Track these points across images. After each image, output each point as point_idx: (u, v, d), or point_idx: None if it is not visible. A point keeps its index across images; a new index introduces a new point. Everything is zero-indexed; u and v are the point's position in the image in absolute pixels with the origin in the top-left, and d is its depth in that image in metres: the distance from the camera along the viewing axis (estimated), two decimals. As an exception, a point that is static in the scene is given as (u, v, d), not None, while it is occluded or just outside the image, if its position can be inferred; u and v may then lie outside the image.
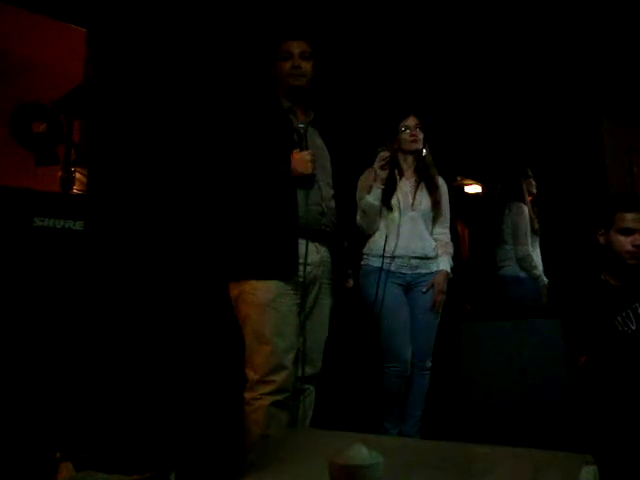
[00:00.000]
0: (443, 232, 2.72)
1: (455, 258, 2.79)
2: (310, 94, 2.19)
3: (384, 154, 2.56)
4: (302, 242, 2.00)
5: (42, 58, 2.88)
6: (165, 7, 2.78)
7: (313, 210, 2.04)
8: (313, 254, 2.04)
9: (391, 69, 3.70)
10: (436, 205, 2.68)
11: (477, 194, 4.98)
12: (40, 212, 1.88)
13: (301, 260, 1.99)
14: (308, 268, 2.01)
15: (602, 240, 2.16)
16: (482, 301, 3.78)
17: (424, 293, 2.60)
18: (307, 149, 2.04)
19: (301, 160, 1.99)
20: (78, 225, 1.95)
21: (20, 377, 1.76)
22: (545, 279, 3.54)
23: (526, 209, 3.58)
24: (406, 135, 2.66)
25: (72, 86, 2.62)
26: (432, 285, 2.60)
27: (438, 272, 2.63)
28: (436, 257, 2.65)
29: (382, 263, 2.53)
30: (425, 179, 2.69)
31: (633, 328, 2.04)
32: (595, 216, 2.25)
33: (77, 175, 2.49)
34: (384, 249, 2.55)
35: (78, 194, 2.44)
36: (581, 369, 2.08)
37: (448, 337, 2.80)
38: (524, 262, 3.51)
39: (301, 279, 1.99)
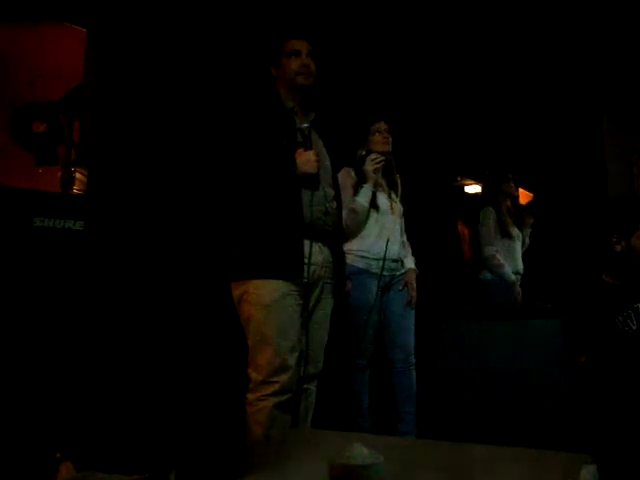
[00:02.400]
0: (405, 235, 2.87)
1: (456, 258, 2.85)
2: (313, 95, 2.18)
3: (378, 156, 2.61)
4: (306, 242, 1.99)
5: (42, 58, 2.87)
6: (165, 7, 2.78)
7: (317, 210, 2.03)
8: (317, 254, 2.04)
9: (391, 70, 3.70)
10: (404, 213, 2.83)
11: (477, 194, 4.97)
12: (40, 212, 1.87)
13: (305, 260, 1.98)
14: (312, 268, 2.00)
15: (618, 248, 2.11)
16: (481, 301, 3.78)
17: (400, 291, 2.74)
18: (311, 149, 2.04)
19: (306, 159, 1.99)
20: (78, 225, 1.94)
21: (20, 377, 1.76)
22: (512, 277, 3.58)
23: (492, 212, 3.65)
24: (379, 137, 2.72)
25: (72, 86, 2.62)
26: (405, 284, 2.75)
27: (408, 270, 2.78)
28: (402, 260, 2.80)
29: (382, 267, 2.59)
30: (393, 185, 2.80)
31: (634, 328, 2.04)
32: (610, 222, 2.20)
33: (77, 175, 2.49)
34: (385, 253, 2.61)
35: (78, 194, 2.43)
36: (581, 369, 2.07)
37: (448, 337, 2.80)
38: (487, 262, 3.59)
39: (305, 279, 1.98)
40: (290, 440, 1.59)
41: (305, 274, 1.98)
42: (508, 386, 2.63)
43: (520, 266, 3.70)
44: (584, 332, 2.09)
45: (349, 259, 2.63)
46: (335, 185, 2.20)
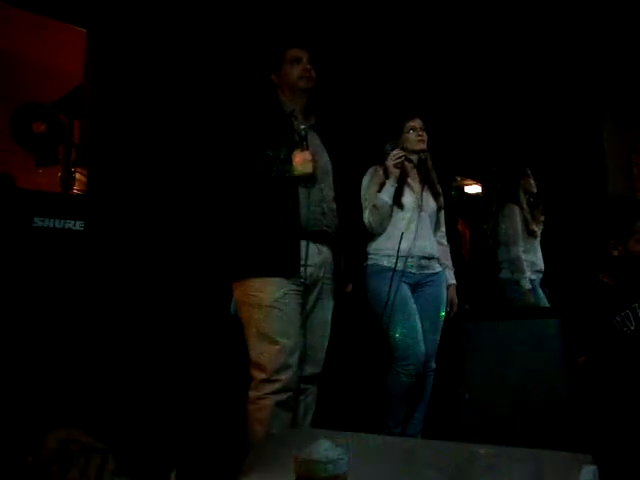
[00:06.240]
0: (444, 236, 2.77)
1: (456, 258, 2.81)
2: (313, 99, 2.22)
3: (398, 152, 2.56)
4: (302, 243, 2.00)
5: (42, 58, 2.88)
6: (165, 7, 2.78)
7: (314, 210, 2.05)
8: (315, 255, 2.05)
9: (390, 71, 3.70)
10: (439, 210, 2.73)
11: (477, 194, 4.97)
12: (40, 212, 1.87)
13: (302, 262, 2.00)
14: (310, 269, 2.02)
15: (615, 252, 2.11)
16: (482, 301, 3.78)
17: (447, 314, 2.66)
18: (308, 150, 2.06)
19: (302, 159, 2.02)
20: (78, 225, 1.94)
21: (20, 377, 1.76)
22: (528, 285, 3.47)
23: (518, 211, 3.58)
24: (413, 135, 2.67)
25: (72, 86, 2.63)
26: (450, 303, 2.68)
27: (450, 286, 2.69)
28: (438, 258, 2.68)
29: (395, 263, 2.52)
30: (427, 183, 2.71)
31: (632, 328, 2.04)
32: (606, 227, 2.19)
33: (77, 175, 2.49)
34: (399, 249, 2.53)
35: (78, 194, 2.44)
36: (580, 369, 2.08)
37: (449, 337, 2.80)
38: (512, 264, 3.51)
39: (303, 280, 2.01)
40: (290, 440, 1.59)
41: (302, 274, 2.00)
42: (508, 386, 2.63)
43: (542, 264, 3.61)
44: (583, 332, 2.09)
45: (376, 258, 2.60)
46: (337, 187, 2.20)
